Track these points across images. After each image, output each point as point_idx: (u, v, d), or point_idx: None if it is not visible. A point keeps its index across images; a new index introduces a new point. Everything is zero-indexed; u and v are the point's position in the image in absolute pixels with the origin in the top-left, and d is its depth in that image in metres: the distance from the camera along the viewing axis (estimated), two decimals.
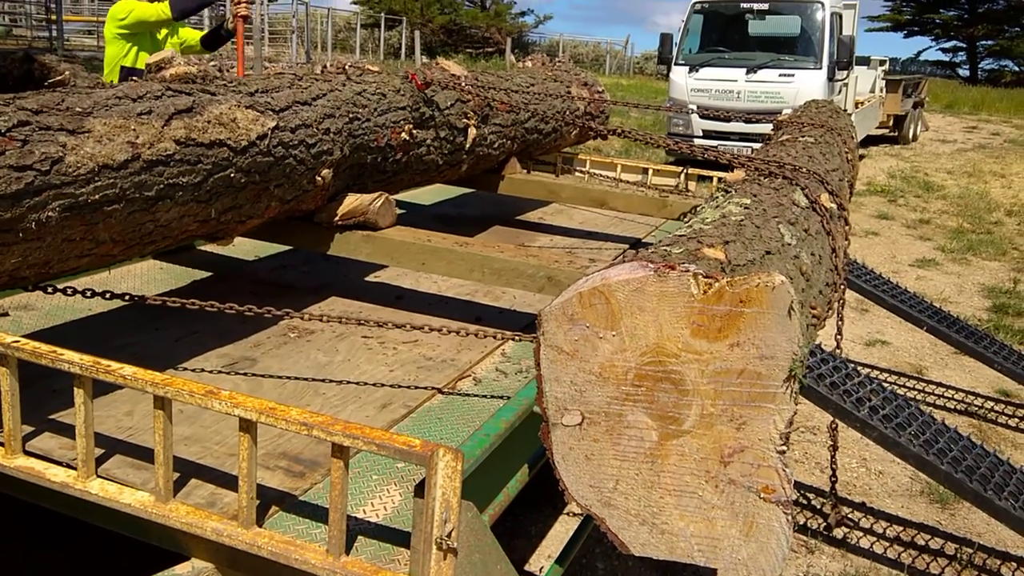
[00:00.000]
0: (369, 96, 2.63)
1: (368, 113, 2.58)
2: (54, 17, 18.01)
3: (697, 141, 10.22)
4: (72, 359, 1.36)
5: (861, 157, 13.16)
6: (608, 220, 4.12)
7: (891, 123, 15.70)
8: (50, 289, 1.88)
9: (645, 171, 4.33)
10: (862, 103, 13.06)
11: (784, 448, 1.28)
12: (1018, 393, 4.49)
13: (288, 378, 2.06)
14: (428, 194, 4.21)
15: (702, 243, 1.43)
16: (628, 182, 4.27)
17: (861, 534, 3.23)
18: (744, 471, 1.29)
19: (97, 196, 1.67)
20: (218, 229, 2.19)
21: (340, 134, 2.43)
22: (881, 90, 14.89)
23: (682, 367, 1.28)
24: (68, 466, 1.49)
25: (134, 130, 1.77)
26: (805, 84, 10.18)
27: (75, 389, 1.38)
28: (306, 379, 2.06)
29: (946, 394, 4.50)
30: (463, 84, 3.02)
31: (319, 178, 2.37)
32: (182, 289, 2.68)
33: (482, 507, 1.56)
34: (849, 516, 3.30)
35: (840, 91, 11.05)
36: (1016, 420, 4.29)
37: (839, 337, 2.50)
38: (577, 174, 4.45)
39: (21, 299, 2.41)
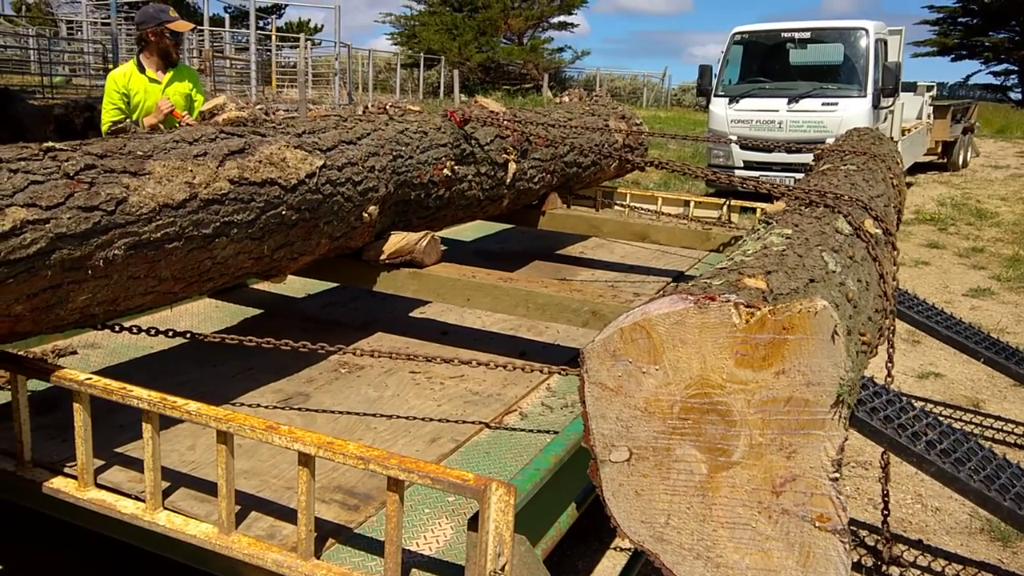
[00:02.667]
0: (411, 134, 2.71)
1: (411, 151, 2.66)
2: (111, 66, 18.86)
3: (738, 172, 10.15)
4: (140, 395, 1.42)
5: (909, 185, 12.90)
6: (649, 253, 4.12)
7: (940, 150, 15.38)
8: (117, 328, 1.96)
9: (687, 203, 4.33)
10: (909, 130, 12.85)
11: (837, 475, 1.26)
12: None
13: (340, 413, 2.10)
14: (470, 230, 4.27)
15: (743, 274, 1.42)
16: (669, 215, 4.27)
17: (919, 572, 3.11)
18: (797, 500, 1.27)
19: (159, 234, 1.75)
20: (272, 266, 2.26)
21: (385, 171, 2.51)
22: (929, 116, 14.62)
23: (728, 398, 1.28)
24: (136, 498, 1.55)
25: (191, 171, 1.86)
26: (849, 112, 10.05)
27: (143, 424, 1.44)
28: (358, 414, 2.10)
29: (1006, 428, 4.34)
30: (501, 120, 3.09)
31: (366, 215, 2.45)
32: (236, 326, 2.76)
33: (534, 541, 1.57)
34: (905, 554, 3.19)
35: (886, 119, 10.89)
36: None
37: (890, 365, 2.45)
38: (617, 208, 4.47)
39: (88, 337, 2.52)
